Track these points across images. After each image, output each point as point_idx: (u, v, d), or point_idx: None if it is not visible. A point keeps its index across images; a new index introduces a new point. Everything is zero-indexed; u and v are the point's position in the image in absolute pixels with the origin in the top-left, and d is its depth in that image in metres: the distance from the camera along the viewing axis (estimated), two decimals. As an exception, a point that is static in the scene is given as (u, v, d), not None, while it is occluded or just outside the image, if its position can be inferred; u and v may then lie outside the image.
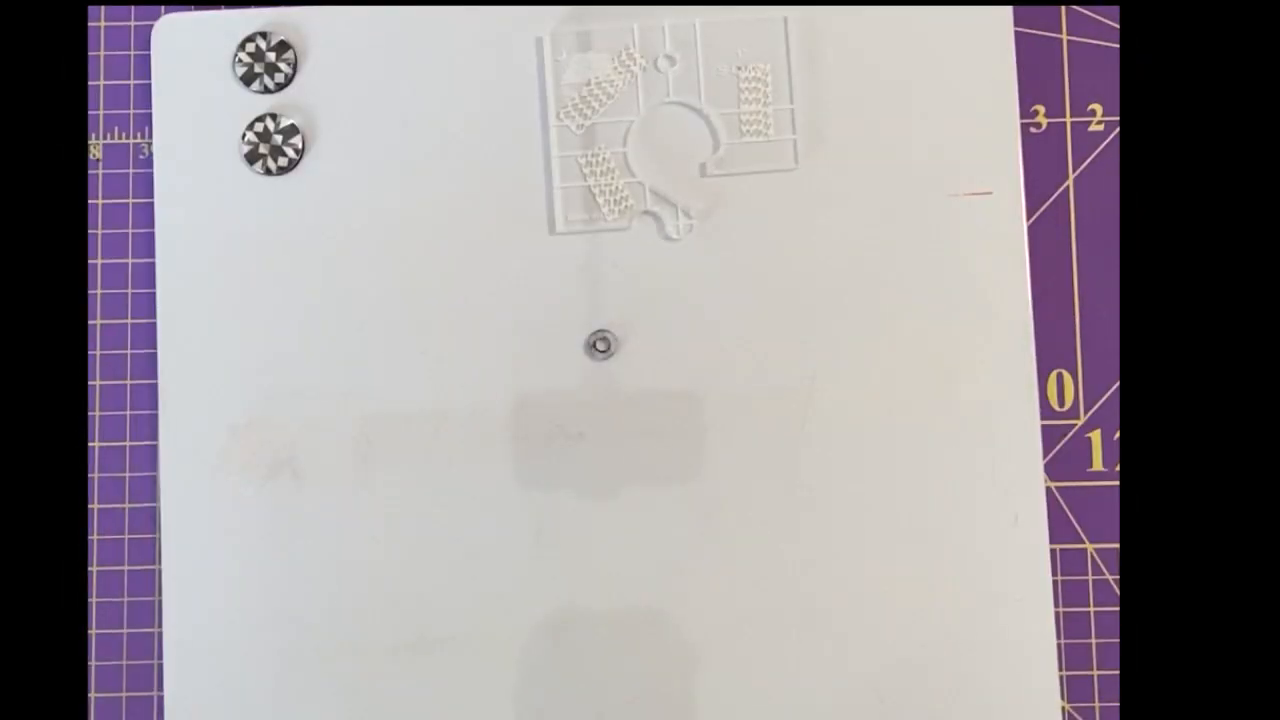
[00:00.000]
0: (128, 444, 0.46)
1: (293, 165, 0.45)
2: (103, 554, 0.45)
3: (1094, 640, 0.45)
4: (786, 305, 0.45)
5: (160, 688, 0.44)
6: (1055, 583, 0.45)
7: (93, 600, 0.45)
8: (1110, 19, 0.47)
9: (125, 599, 0.45)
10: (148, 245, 0.46)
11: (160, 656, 0.44)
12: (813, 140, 0.45)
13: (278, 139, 0.45)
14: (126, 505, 0.46)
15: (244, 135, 0.45)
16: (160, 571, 0.45)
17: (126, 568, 0.45)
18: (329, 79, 0.46)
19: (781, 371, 0.44)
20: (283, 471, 0.45)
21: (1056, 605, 0.44)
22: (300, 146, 0.45)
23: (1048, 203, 0.46)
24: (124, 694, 0.45)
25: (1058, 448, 0.46)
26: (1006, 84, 0.45)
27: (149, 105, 0.46)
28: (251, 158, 0.45)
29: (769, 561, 0.44)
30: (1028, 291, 0.45)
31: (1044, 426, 0.45)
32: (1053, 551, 0.45)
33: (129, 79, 0.47)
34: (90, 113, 0.47)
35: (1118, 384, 0.46)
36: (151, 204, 0.46)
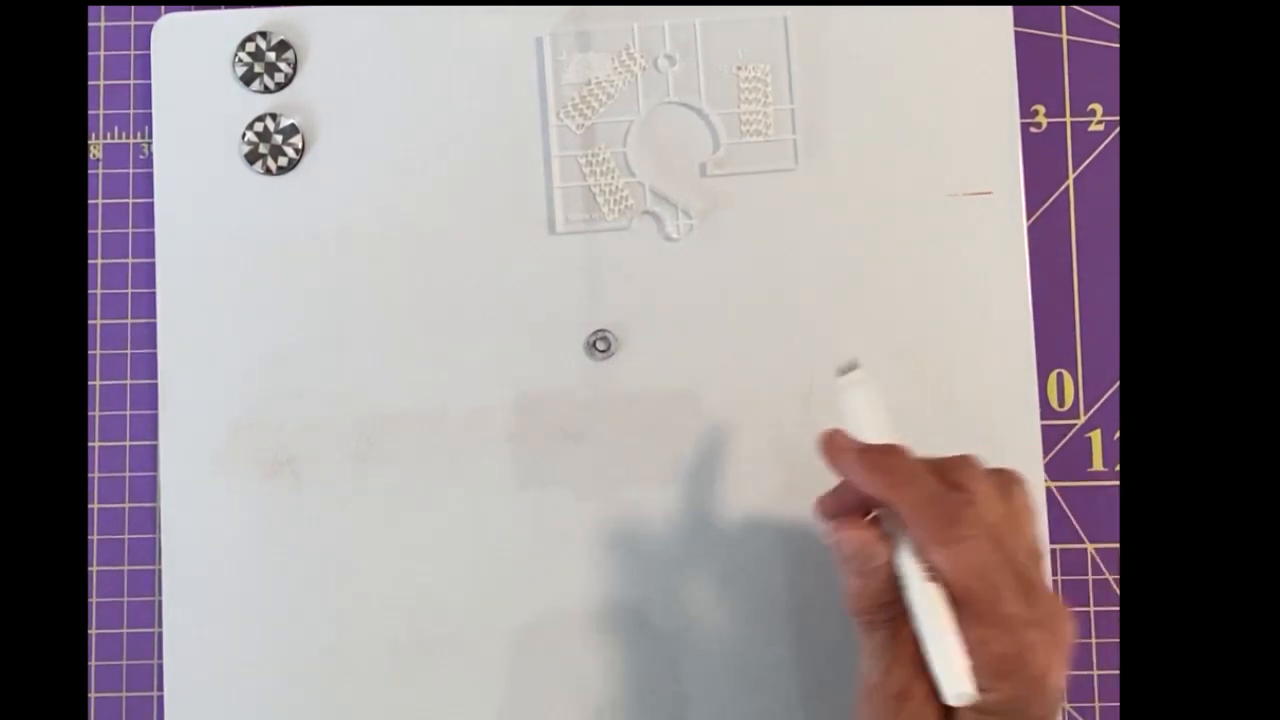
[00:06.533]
0: (128, 444, 0.46)
1: (293, 165, 0.45)
2: (103, 554, 0.45)
3: (1094, 640, 0.45)
4: (786, 305, 0.45)
5: (160, 688, 0.44)
6: (1055, 583, 0.45)
7: (93, 600, 0.45)
8: (1110, 19, 0.47)
9: (125, 599, 0.45)
10: (148, 245, 0.46)
11: (160, 656, 0.44)
12: (813, 140, 0.45)
13: (278, 139, 0.45)
14: (126, 505, 0.46)
15: (244, 135, 0.45)
16: (160, 571, 0.45)
17: (126, 568, 0.45)
18: (329, 79, 0.46)
19: (781, 371, 0.44)
20: (283, 471, 0.45)
21: (1056, 605, 0.44)
22: (300, 146, 0.45)
23: (1048, 203, 0.46)
24: (124, 694, 0.45)
25: (1058, 448, 0.46)
26: (1006, 84, 0.45)
27: (149, 105, 0.46)
28: (251, 158, 0.45)
29: (768, 561, 0.44)
30: (1028, 291, 0.45)
31: (1044, 426, 0.45)
32: (1053, 551, 0.45)
33: (129, 79, 0.47)
34: (90, 113, 0.47)
35: (1118, 384, 0.46)
36: (151, 204, 0.46)
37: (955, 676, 0.33)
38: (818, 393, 0.44)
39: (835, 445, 0.37)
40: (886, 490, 0.35)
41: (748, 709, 0.44)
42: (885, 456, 0.36)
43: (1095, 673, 0.45)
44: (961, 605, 0.33)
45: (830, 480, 0.38)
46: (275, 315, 0.45)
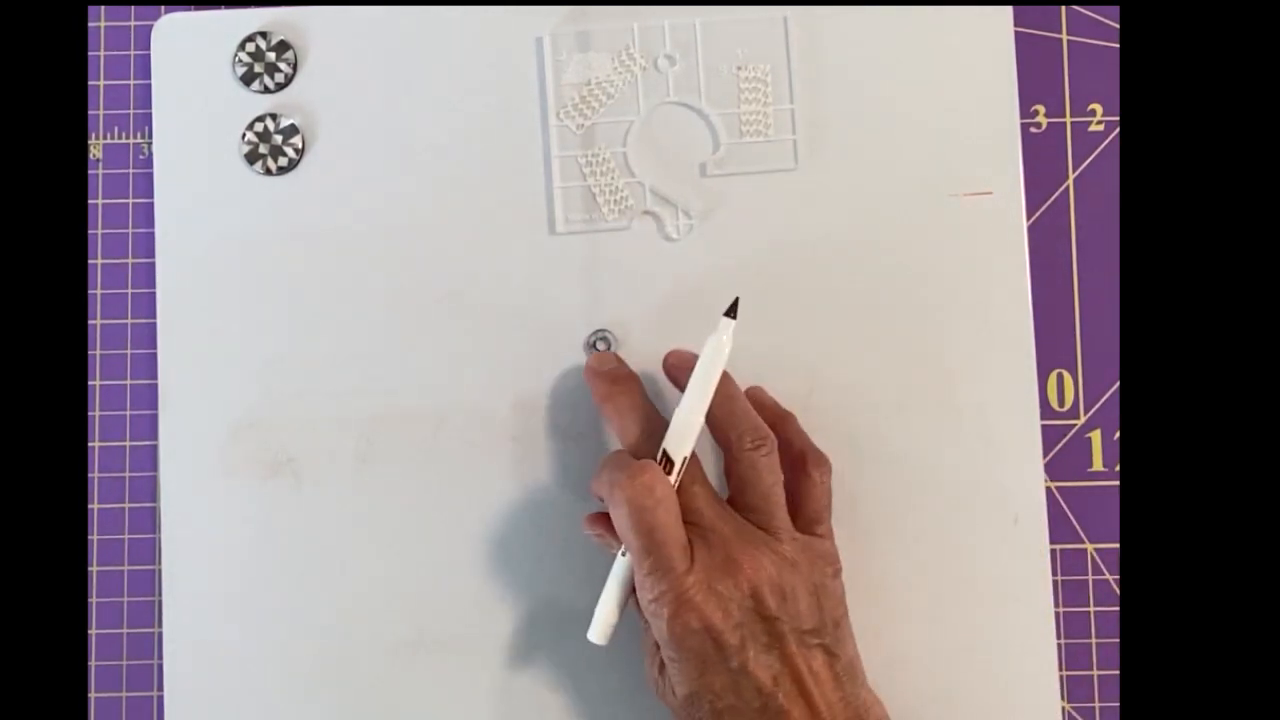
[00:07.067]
0: (128, 444, 0.46)
1: (293, 165, 0.45)
2: (103, 554, 0.45)
3: (1094, 640, 0.45)
4: (786, 305, 0.45)
5: (160, 688, 0.44)
6: (1055, 583, 0.45)
7: (93, 600, 0.45)
8: (1110, 19, 0.47)
9: (125, 599, 0.45)
10: (148, 245, 0.46)
11: (160, 656, 0.44)
12: (813, 140, 0.45)
13: (278, 139, 0.45)
14: (126, 505, 0.46)
15: (244, 135, 0.45)
16: (160, 571, 0.45)
17: (126, 568, 0.45)
18: (329, 79, 0.46)
19: (781, 371, 0.44)
20: (283, 471, 0.45)
21: (1056, 605, 0.44)
22: (300, 146, 0.45)
23: (1048, 203, 0.46)
24: (124, 694, 0.45)
25: (1058, 448, 0.46)
26: (1006, 84, 0.45)
27: (149, 105, 0.46)
28: (251, 158, 0.45)
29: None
30: (1028, 291, 0.45)
31: (1044, 426, 0.45)
32: (1053, 551, 0.45)
33: (129, 79, 0.47)
34: (90, 113, 0.47)
35: (1118, 384, 0.46)
36: (151, 204, 0.46)
37: (593, 627, 0.40)
38: (817, 392, 0.44)
39: (599, 375, 0.43)
40: (604, 416, 0.43)
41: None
42: (611, 385, 0.42)
43: (1095, 673, 0.45)
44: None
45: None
46: (275, 315, 0.45)
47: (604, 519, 0.41)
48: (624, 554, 0.40)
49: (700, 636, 0.37)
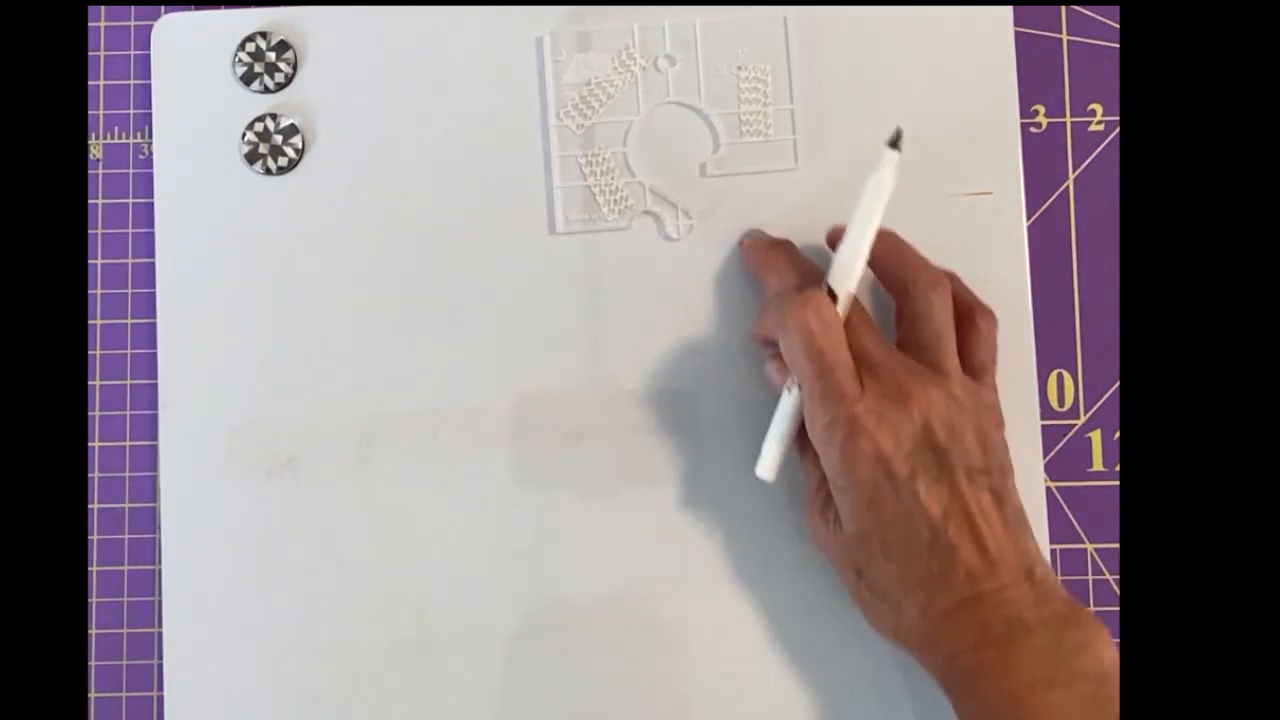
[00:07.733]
0: (128, 444, 0.46)
1: (293, 165, 0.45)
2: (103, 554, 0.45)
3: (1094, 640, 0.45)
4: (786, 305, 0.45)
5: (160, 688, 0.44)
6: (1055, 583, 0.45)
7: (93, 600, 0.45)
8: (1110, 19, 0.47)
9: (125, 599, 0.45)
10: (148, 245, 0.46)
11: (160, 656, 0.44)
12: (813, 140, 0.45)
13: (278, 139, 0.45)
14: (126, 505, 0.46)
15: (244, 135, 0.45)
16: (160, 571, 0.45)
17: (126, 568, 0.45)
18: (329, 79, 0.46)
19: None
20: (283, 471, 0.45)
21: (1056, 605, 0.44)
22: (300, 146, 0.45)
23: (1048, 203, 0.46)
24: (124, 694, 0.45)
25: (1058, 448, 0.46)
26: (1006, 84, 0.45)
27: (149, 105, 0.46)
28: (251, 158, 0.45)
29: (768, 560, 0.44)
30: (1028, 291, 0.45)
31: (1044, 426, 0.45)
32: (1053, 551, 0.45)
33: (129, 79, 0.47)
34: (90, 113, 0.47)
35: (1118, 384, 0.46)
36: (151, 204, 0.46)
37: (761, 462, 0.41)
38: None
39: (754, 245, 0.44)
40: (763, 282, 0.43)
41: (750, 708, 0.44)
42: (767, 250, 0.43)
43: (1095, 673, 0.45)
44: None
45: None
46: (275, 315, 0.45)
47: (773, 359, 0.42)
48: (790, 389, 0.40)
49: (871, 463, 0.38)
